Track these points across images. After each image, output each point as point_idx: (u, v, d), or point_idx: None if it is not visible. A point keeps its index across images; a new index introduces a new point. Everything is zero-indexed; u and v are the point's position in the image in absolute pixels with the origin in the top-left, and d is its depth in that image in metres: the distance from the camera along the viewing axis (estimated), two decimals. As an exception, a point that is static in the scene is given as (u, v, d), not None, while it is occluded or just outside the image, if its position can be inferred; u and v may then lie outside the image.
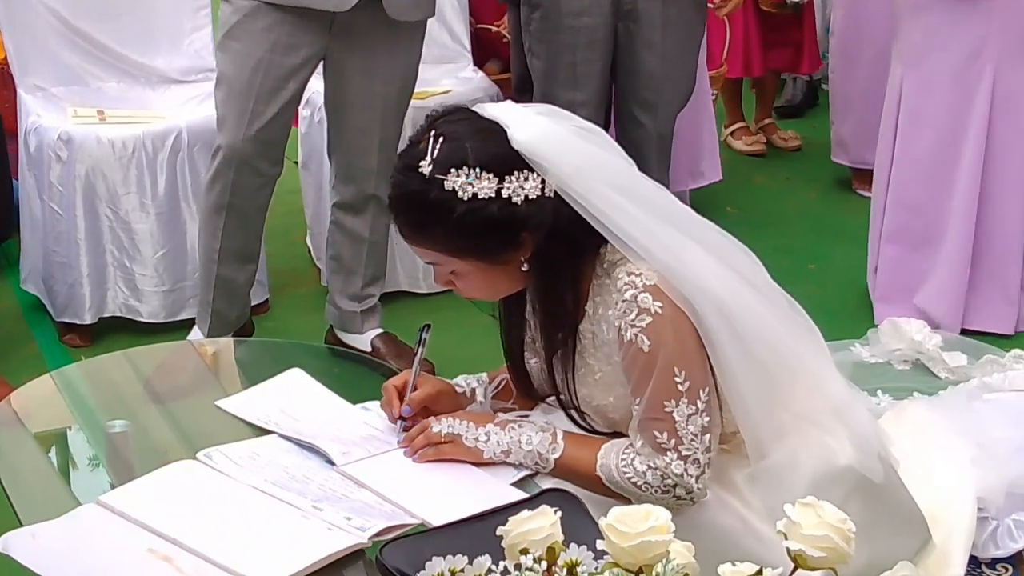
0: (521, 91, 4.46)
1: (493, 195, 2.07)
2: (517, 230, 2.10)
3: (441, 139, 2.09)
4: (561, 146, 2.11)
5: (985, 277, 3.89)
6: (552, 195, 2.10)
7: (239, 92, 3.47)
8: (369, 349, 3.79)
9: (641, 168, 4.02)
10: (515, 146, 2.09)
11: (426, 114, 2.20)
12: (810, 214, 4.97)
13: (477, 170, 2.07)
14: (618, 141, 4.16)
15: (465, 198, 2.07)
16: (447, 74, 4.54)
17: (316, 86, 4.36)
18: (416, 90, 4.28)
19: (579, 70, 3.91)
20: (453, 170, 2.07)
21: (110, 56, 4.30)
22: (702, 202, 4.84)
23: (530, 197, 2.09)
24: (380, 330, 3.86)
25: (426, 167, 2.08)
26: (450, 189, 2.07)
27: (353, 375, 2.77)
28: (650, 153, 4.10)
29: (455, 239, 2.11)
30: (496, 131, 2.10)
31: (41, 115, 4.04)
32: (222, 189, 3.54)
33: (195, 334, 3.72)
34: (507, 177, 2.08)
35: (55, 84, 4.23)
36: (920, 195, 3.89)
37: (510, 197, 2.08)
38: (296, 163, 4.62)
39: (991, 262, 3.89)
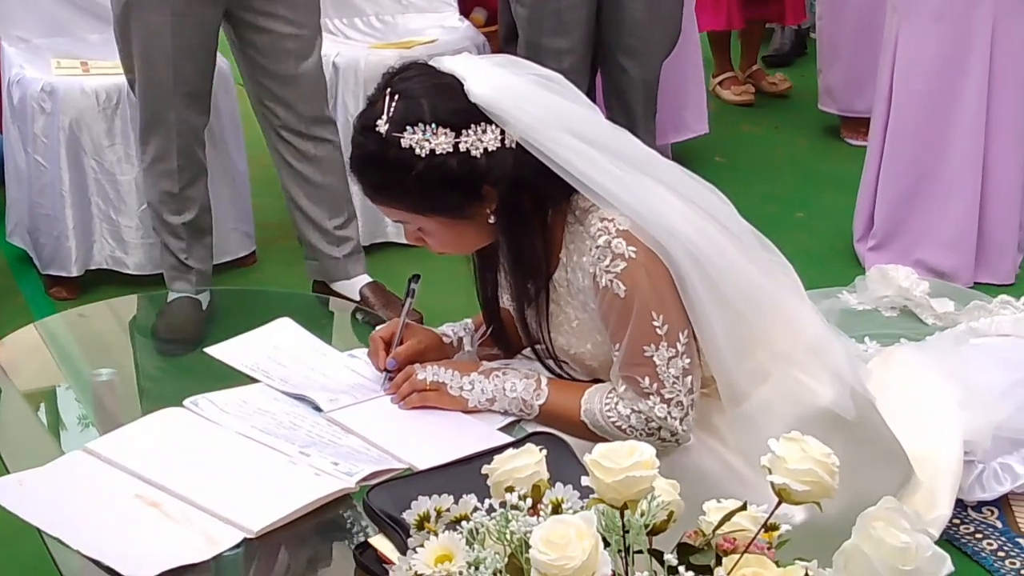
0: (509, 40, 4.43)
1: (451, 150, 2.05)
2: (478, 183, 2.08)
3: (396, 97, 2.07)
4: (519, 97, 2.09)
5: (989, 228, 3.88)
6: (513, 146, 2.08)
7: (154, 60, 3.49)
8: (358, 298, 3.79)
9: (626, 116, 4.07)
10: (472, 99, 2.06)
11: (382, 72, 2.17)
12: (798, 162, 4.97)
13: (433, 126, 2.05)
14: (604, 88, 4.16)
15: (423, 155, 2.05)
16: (432, 24, 4.52)
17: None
18: (402, 40, 4.29)
19: (564, 17, 3.90)
20: (409, 128, 2.05)
21: (92, 6, 4.27)
22: (690, 151, 4.83)
23: (489, 150, 2.07)
24: (368, 279, 3.85)
25: (382, 126, 2.06)
26: (407, 147, 2.05)
27: (341, 324, 2.77)
28: (636, 100, 4.09)
29: (416, 197, 2.09)
30: (453, 85, 2.08)
31: (24, 67, 4.02)
32: (166, 156, 3.57)
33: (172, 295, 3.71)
34: (464, 131, 2.06)
35: (38, 35, 4.21)
36: (918, 145, 3.87)
37: (469, 151, 2.06)
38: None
39: (994, 213, 3.87)
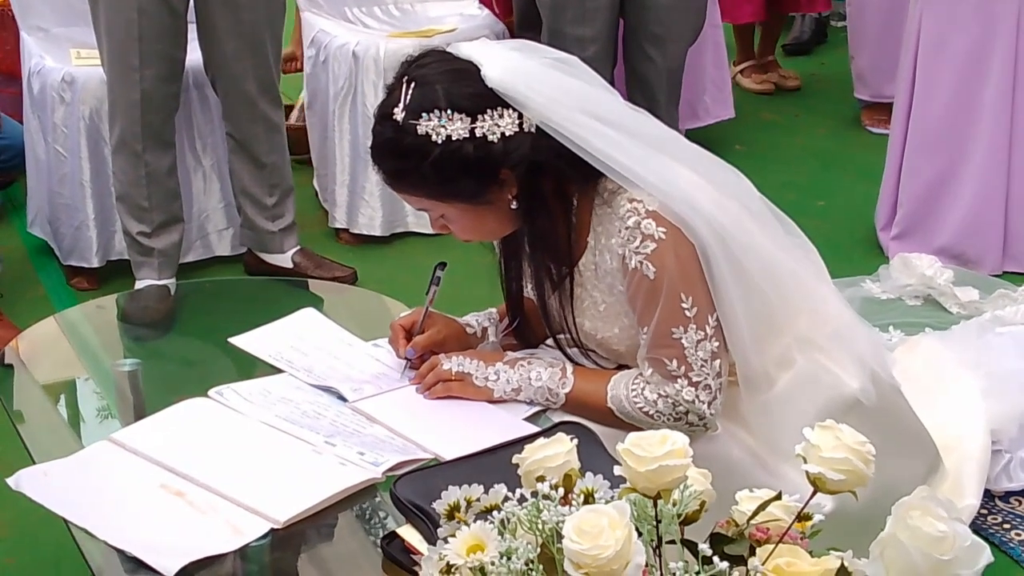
0: (525, 28, 4.42)
1: (467, 135, 2.04)
2: (496, 168, 2.07)
3: (413, 84, 2.06)
4: (535, 79, 2.08)
5: (1015, 216, 3.83)
6: (532, 130, 2.07)
7: (122, 39, 3.54)
8: (290, 266, 3.91)
9: (649, 104, 4.06)
10: (488, 84, 2.05)
11: (401, 61, 2.16)
12: (819, 150, 4.94)
13: (449, 112, 2.04)
14: (627, 77, 4.14)
15: (439, 141, 2.04)
16: (452, 11, 4.51)
17: (320, 24, 4.34)
18: (422, 28, 4.28)
19: (588, 4, 3.88)
20: (425, 114, 2.04)
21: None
22: (710, 139, 4.80)
23: (507, 134, 2.06)
24: (298, 247, 3.97)
25: (399, 114, 2.06)
26: (423, 133, 2.04)
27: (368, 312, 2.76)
28: (659, 88, 4.08)
29: (435, 183, 2.08)
30: (469, 71, 2.07)
31: (44, 57, 4.02)
32: (133, 136, 3.63)
33: (143, 283, 3.75)
34: (480, 116, 2.05)
35: (57, 25, 4.20)
36: (942, 130, 3.83)
37: (485, 136, 2.05)
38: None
39: (1020, 200, 3.82)
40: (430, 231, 4.15)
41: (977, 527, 2.67)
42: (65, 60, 3.99)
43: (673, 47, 4.01)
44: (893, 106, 4.06)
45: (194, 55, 3.77)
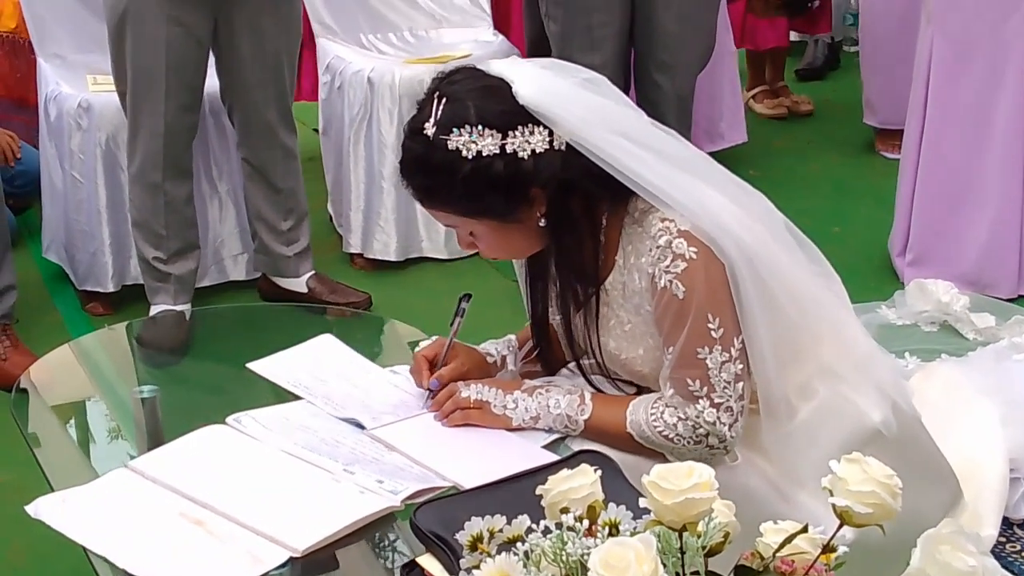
0: (534, 54, 4.43)
1: (497, 152, 2.04)
2: (526, 186, 2.06)
3: (444, 100, 2.06)
4: (566, 98, 2.07)
5: None
6: (562, 148, 2.06)
7: (148, 71, 3.56)
8: (305, 291, 3.92)
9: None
10: (520, 100, 2.05)
11: (432, 76, 2.17)
12: (833, 176, 4.94)
13: (480, 128, 2.03)
14: (638, 103, 4.13)
15: (469, 157, 2.04)
16: (467, 38, 4.52)
17: (335, 50, 4.35)
18: (437, 54, 4.30)
19: (596, 33, 3.89)
20: (455, 130, 2.04)
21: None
22: (723, 164, 4.78)
23: (537, 151, 2.05)
24: (312, 271, 3.98)
25: (430, 129, 2.06)
26: (454, 149, 2.04)
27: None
28: (669, 115, 4.07)
29: (464, 199, 2.08)
30: (500, 88, 2.07)
31: (61, 83, 4.04)
32: (154, 166, 3.66)
33: (158, 308, 3.76)
34: (511, 133, 2.04)
35: (74, 52, 4.22)
36: (955, 156, 3.82)
37: (515, 152, 2.04)
38: (316, 131, 4.61)
39: None
40: (444, 256, 4.22)
41: (995, 556, 2.65)
42: (82, 87, 4.01)
43: (682, 73, 4.01)
44: (904, 130, 4.05)
45: (209, 82, 3.78)
